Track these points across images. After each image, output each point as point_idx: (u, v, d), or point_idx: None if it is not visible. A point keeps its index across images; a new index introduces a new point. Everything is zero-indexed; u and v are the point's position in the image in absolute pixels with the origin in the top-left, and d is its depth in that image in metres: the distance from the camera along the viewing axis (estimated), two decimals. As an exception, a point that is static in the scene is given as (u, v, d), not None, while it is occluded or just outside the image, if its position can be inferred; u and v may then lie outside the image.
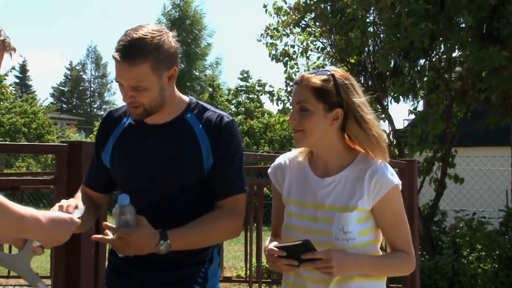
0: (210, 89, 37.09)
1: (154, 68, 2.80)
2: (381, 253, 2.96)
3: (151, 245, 2.76)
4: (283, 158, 3.05)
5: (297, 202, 2.91)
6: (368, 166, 2.83)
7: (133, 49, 2.75)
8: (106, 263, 3.22)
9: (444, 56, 11.54)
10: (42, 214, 2.41)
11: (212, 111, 3.03)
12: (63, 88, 70.30)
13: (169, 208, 2.88)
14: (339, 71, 2.89)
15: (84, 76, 71.29)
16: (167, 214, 2.89)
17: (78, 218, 2.62)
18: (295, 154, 3.01)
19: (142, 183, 2.90)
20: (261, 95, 14.18)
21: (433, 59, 11.77)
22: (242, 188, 3.02)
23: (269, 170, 3.08)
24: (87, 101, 71.20)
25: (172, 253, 2.80)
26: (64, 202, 2.71)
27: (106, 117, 3.16)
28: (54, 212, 2.52)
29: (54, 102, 63.30)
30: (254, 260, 5.40)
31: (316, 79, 2.80)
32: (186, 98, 3.06)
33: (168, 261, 2.90)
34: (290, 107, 12.74)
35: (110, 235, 2.73)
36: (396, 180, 2.84)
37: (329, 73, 2.83)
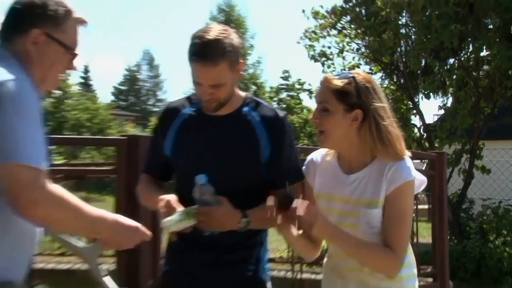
0: (254, 87, 37.07)
1: (230, 65, 2.83)
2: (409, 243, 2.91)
3: (234, 221, 2.80)
4: (314, 155, 3.03)
5: (326, 196, 2.90)
6: (390, 162, 2.77)
7: (212, 50, 2.76)
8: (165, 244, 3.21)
9: (473, 55, 11.46)
10: (113, 218, 2.45)
11: (267, 106, 3.07)
12: (122, 88, 70.76)
13: (228, 194, 2.84)
14: (361, 74, 2.84)
15: (139, 77, 71.65)
16: (225, 193, 2.83)
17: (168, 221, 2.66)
18: (325, 152, 2.98)
19: (204, 171, 2.85)
20: (301, 92, 14.16)
21: (462, 59, 11.68)
22: (301, 176, 3.05)
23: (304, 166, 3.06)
24: (142, 99, 71.51)
25: (229, 236, 2.82)
26: (170, 201, 2.79)
27: (165, 110, 3.15)
28: (125, 219, 2.50)
29: (115, 100, 63.87)
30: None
31: (338, 81, 2.77)
32: (242, 93, 3.07)
33: (226, 243, 2.92)
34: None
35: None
36: (411, 175, 2.78)
37: (350, 75, 2.80)
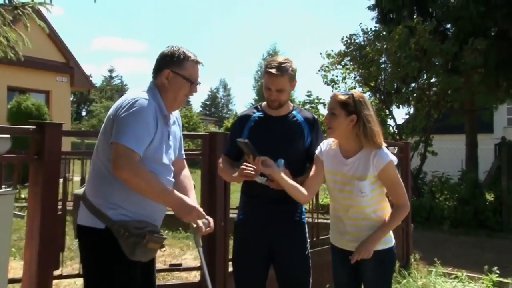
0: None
1: (289, 79, 2.88)
2: (386, 199, 2.87)
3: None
4: (324, 143, 2.96)
5: (332, 172, 2.85)
6: (373, 150, 2.74)
7: (282, 67, 2.83)
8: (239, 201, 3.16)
9: (426, 81, 11.32)
10: (178, 196, 2.32)
11: (306, 111, 3.10)
12: (207, 102, 71.27)
13: (289, 164, 2.81)
14: (357, 93, 2.80)
15: (217, 95, 72.03)
16: (288, 167, 2.82)
17: None
18: (331, 142, 2.92)
19: (273, 154, 2.80)
20: (318, 105, 14.05)
21: (419, 83, 11.51)
22: None
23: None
24: (219, 109, 71.88)
25: (281, 191, 2.77)
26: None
27: (240, 117, 3.11)
28: (188, 199, 2.37)
29: (202, 110, 64.33)
30: (314, 199, 5.34)
31: (342, 96, 2.75)
32: (290, 103, 3.09)
33: (279, 197, 2.86)
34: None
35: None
36: (389, 157, 2.73)
37: (350, 93, 2.77)
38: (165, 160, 2.42)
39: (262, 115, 3.03)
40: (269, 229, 2.94)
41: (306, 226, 3.07)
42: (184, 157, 2.73)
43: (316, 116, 3.11)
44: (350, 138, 2.78)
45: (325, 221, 7.57)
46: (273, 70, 2.82)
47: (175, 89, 2.44)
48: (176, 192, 2.35)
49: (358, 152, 2.78)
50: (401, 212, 2.80)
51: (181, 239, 7.33)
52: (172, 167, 2.51)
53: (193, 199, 2.53)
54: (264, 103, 3.08)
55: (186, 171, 2.72)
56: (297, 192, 2.78)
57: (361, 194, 2.73)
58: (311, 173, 2.92)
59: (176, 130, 2.60)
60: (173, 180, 2.53)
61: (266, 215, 2.95)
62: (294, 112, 3.04)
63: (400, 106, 12.32)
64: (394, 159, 2.77)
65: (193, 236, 2.53)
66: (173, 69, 2.42)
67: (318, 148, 2.96)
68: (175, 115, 2.62)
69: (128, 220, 2.29)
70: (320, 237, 4.94)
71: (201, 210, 2.38)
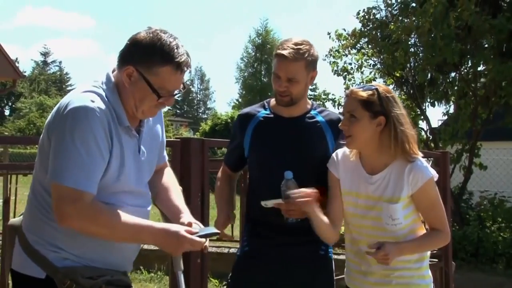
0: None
1: (306, 66, 2.90)
2: (423, 227, 2.91)
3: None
4: (338, 153, 2.98)
5: (354, 193, 2.87)
6: (406, 163, 2.76)
7: (296, 49, 2.84)
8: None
9: (471, 69, 11.42)
10: (159, 227, 2.26)
11: (329, 111, 3.14)
12: (177, 98, 71.52)
13: (301, 179, 2.85)
14: (382, 86, 2.82)
15: (192, 89, 72.18)
16: (299, 183, 2.84)
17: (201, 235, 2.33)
18: (348, 152, 2.93)
19: (281, 161, 2.89)
20: (326, 101, 13.98)
21: (462, 72, 11.61)
22: None
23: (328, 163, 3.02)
24: (194, 107, 72.07)
25: (303, 220, 2.81)
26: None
27: (240, 117, 3.16)
28: (171, 226, 2.28)
29: (171, 109, 64.38)
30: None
31: (363, 93, 2.74)
32: (309, 101, 3.12)
33: (301, 227, 2.88)
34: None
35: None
36: (430, 173, 2.78)
37: (373, 87, 2.77)
38: (133, 185, 2.36)
39: (270, 115, 3.07)
40: (286, 268, 2.99)
41: (333, 263, 3.12)
42: (166, 160, 2.76)
43: (341, 117, 3.13)
44: (376, 148, 2.81)
45: (335, 256, 7.57)
46: (285, 52, 2.85)
47: (136, 96, 2.28)
48: (153, 223, 2.27)
49: (388, 166, 2.81)
50: (441, 237, 2.85)
51: (142, 283, 7.29)
52: (147, 191, 2.49)
53: (181, 213, 2.47)
54: (273, 100, 3.10)
55: (167, 170, 2.73)
56: (328, 230, 2.83)
57: (392, 221, 2.77)
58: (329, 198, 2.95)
59: (154, 136, 2.53)
60: (147, 206, 2.48)
61: (283, 249, 2.98)
62: (313, 112, 3.08)
63: (436, 103, 12.42)
64: (435, 175, 2.81)
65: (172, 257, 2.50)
66: (140, 68, 2.24)
67: (331, 161, 2.98)
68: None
69: (77, 266, 2.24)
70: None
71: (190, 233, 2.26)
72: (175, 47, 2.25)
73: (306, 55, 2.88)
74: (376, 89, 2.77)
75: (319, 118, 3.06)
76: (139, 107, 2.30)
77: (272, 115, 3.05)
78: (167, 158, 2.75)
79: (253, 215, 3.10)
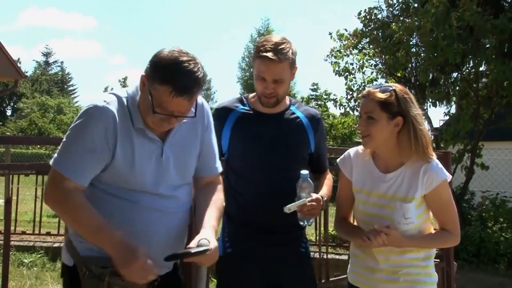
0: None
1: (290, 66, 2.89)
2: (431, 228, 2.93)
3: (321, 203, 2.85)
4: (351, 153, 3.00)
5: (366, 192, 2.89)
6: (422, 163, 2.78)
7: (279, 50, 2.82)
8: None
9: (473, 70, 11.36)
10: (120, 237, 2.23)
11: (307, 107, 3.15)
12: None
13: (283, 177, 2.89)
14: (398, 86, 2.82)
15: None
16: (281, 182, 2.90)
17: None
18: (361, 151, 2.96)
19: (263, 159, 2.90)
20: (327, 102, 14.00)
21: (464, 73, 11.61)
22: (327, 167, 3.23)
23: (338, 160, 3.05)
24: (195, 107, 72.28)
25: (282, 219, 2.79)
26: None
27: (218, 111, 3.09)
28: (131, 242, 2.24)
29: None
30: (322, 228, 5.38)
31: (381, 94, 2.75)
32: (287, 96, 3.10)
33: (284, 226, 2.92)
34: (350, 111, 12.70)
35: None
36: (445, 174, 2.80)
37: (391, 88, 2.78)
38: (149, 186, 2.40)
39: (249, 111, 3.04)
40: (268, 266, 2.97)
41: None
42: (217, 171, 2.70)
43: (319, 113, 3.17)
44: (393, 148, 2.82)
45: (336, 257, 7.58)
46: (269, 54, 2.81)
47: (143, 104, 2.36)
48: (118, 233, 2.27)
49: (403, 165, 2.83)
50: (450, 238, 2.88)
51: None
52: (175, 194, 2.48)
53: (202, 228, 2.43)
54: (251, 95, 3.09)
55: (217, 188, 2.67)
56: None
57: (405, 220, 2.78)
58: (342, 199, 3.01)
59: (186, 144, 2.53)
60: (175, 210, 2.50)
61: (263, 247, 2.97)
62: (292, 107, 3.07)
63: (438, 103, 12.42)
64: (449, 176, 2.84)
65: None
66: (149, 80, 2.30)
67: (343, 161, 3.00)
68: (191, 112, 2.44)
69: (93, 255, 2.33)
70: (331, 279, 4.94)
71: (149, 264, 2.23)
72: (181, 71, 2.24)
73: (289, 54, 2.87)
74: (394, 90, 2.78)
75: (299, 113, 3.06)
76: (145, 116, 2.36)
77: (251, 111, 3.02)
78: (219, 170, 2.72)
79: (234, 215, 3.06)
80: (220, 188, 2.68)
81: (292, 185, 2.85)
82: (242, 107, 3.04)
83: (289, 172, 2.90)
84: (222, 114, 3.04)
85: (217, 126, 2.96)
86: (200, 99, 2.55)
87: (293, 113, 3.04)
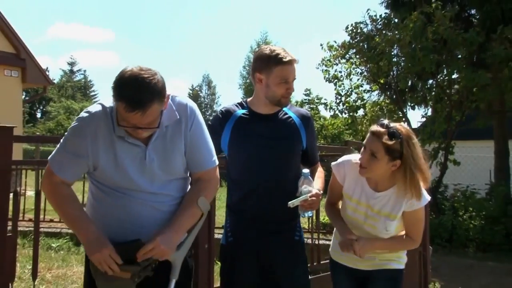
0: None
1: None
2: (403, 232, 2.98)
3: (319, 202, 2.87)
4: (345, 162, 2.99)
5: (355, 200, 2.93)
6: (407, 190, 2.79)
7: (290, 53, 2.90)
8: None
9: (446, 77, 11.39)
10: (96, 231, 2.28)
11: (298, 108, 3.14)
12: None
13: (278, 171, 2.89)
14: (404, 131, 2.75)
15: (200, 94, 72.08)
16: (276, 175, 2.90)
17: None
18: (355, 163, 2.91)
19: (261, 155, 2.89)
20: (318, 105, 14.03)
21: (438, 80, 11.61)
22: (318, 160, 3.20)
23: (332, 164, 3.05)
24: (202, 110, 72.02)
25: (278, 210, 2.84)
26: None
27: (221, 113, 3.06)
28: (105, 238, 2.27)
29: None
30: (314, 217, 5.38)
31: (389, 141, 2.71)
32: None
33: (277, 216, 2.93)
34: (338, 114, 12.61)
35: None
36: (425, 201, 2.83)
37: (398, 134, 2.71)
38: (139, 185, 2.37)
39: (247, 113, 3.03)
40: (264, 252, 2.96)
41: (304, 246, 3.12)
42: (201, 169, 2.52)
43: (310, 112, 3.16)
44: (385, 176, 2.85)
45: (326, 242, 7.59)
46: (290, 58, 2.88)
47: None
48: (90, 226, 2.30)
49: (390, 189, 2.87)
50: (410, 243, 2.94)
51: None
52: (164, 192, 2.43)
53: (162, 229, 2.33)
54: (250, 99, 3.08)
55: (194, 190, 2.52)
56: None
57: (386, 232, 2.87)
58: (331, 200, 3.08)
59: (168, 147, 2.42)
60: (165, 205, 2.44)
61: (261, 236, 2.96)
62: (285, 109, 3.06)
63: (416, 106, 12.46)
64: (428, 201, 2.86)
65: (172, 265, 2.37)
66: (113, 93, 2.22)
67: (337, 166, 3.00)
68: (173, 122, 2.41)
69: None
70: (322, 262, 4.95)
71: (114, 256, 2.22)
72: (130, 87, 2.14)
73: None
74: (402, 137, 2.73)
75: (291, 113, 3.04)
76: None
77: (249, 113, 3.02)
78: (208, 166, 2.52)
79: (234, 206, 3.04)
80: (203, 187, 2.50)
81: (286, 178, 2.88)
82: (241, 110, 3.04)
83: (284, 166, 2.90)
84: (224, 115, 3.03)
85: (219, 126, 3.00)
86: (185, 99, 2.47)
87: (286, 114, 3.03)
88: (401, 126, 2.78)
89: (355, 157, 2.95)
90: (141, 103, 2.13)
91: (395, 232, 2.89)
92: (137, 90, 2.13)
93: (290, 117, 3.02)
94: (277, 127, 2.98)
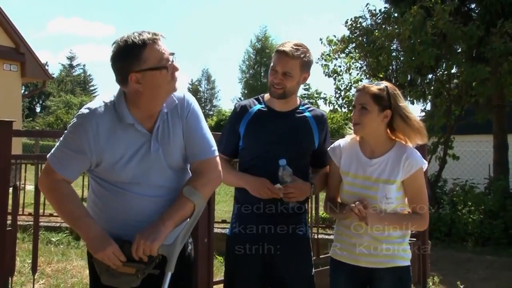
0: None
1: (301, 66, 2.93)
2: (407, 212, 2.94)
3: (308, 190, 2.93)
4: (339, 142, 3.03)
5: (352, 174, 2.91)
6: (404, 151, 2.83)
7: (294, 49, 2.89)
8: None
9: (446, 72, 11.39)
10: (99, 231, 2.29)
11: (314, 108, 3.15)
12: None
13: (292, 168, 2.89)
14: (389, 84, 2.87)
15: (200, 88, 72.03)
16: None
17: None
18: (348, 140, 3.00)
19: (272, 152, 2.91)
20: (318, 100, 14.03)
21: (438, 74, 11.60)
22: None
23: (328, 149, 3.06)
24: (201, 105, 72.01)
25: (288, 204, 2.90)
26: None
27: (238, 107, 3.11)
28: (109, 237, 2.29)
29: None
30: (313, 211, 5.39)
31: (375, 88, 2.82)
32: (298, 98, 3.14)
33: (282, 209, 2.95)
34: (338, 108, 12.62)
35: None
36: (422, 163, 2.84)
37: (383, 85, 2.84)
38: (135, 176, 2.37)
39: (264, 108, 3.06)
40: (269, 245, 2.98)
41: (310, 242, 3.14)
42: (197, 158, 2.47)
43: (325, 114, 3.17)
44: (380, 136, 2.88)
45: (326, 236, 7.61)
46: (285, 48, 2.90)
47: (153, 87, 2.30)
48: (93, 224, 2.31)
49: (387, 152, 2.87)
50: (419, 218, 2.88)
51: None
52: (164, 184, 2.42)
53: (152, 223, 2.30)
54: (267, 95, 3.11)
55: (189, 178, 2.50)
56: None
57: (386, 200, 2.82)
58: (331, 186, 3.04)
59: (170, 134, 2.43)
60: (166, 198, 2.42)
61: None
62: (301, 107, 3.10)
63: (415, 101, 12.40)
64: (425, 164, 2.88)
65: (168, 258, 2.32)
66: (136, 68, 2.26)
67: (333, 151, 3.02)
68: (172, 108, 2.44)
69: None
70: (321, 256, 4.96)
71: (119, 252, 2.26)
72: (138, 34, 2.32)
73: (303, 56, 2.92)
74: (386, 86, 2.84)
75: (307, 113, 3.07)
76: (157, 95, 2.34)
77: (266, 109, 3.05)
78: (204, 156, 2.47)
79: (242, 199, 3.06)
80: (196, 177, 2.45)
81: (294, 174, 2.89)
82: (258, 105, 3.08)
83: (293, 162, 2.90)
84: (240, 111, 3.07)
85: (235, 121, 3.06)
86: (182, 91, 2.49)
87: (302, 113, 3.06)
88: (385, 82, 2.91)
89: (348, 137, 3.01)
90: (155, 34, 2.33)
91: (396, 205, 2.83)
92: (146, 32, 2.32)
93: (305, 116, 3.06)
94: (290, 125, 3.01)
